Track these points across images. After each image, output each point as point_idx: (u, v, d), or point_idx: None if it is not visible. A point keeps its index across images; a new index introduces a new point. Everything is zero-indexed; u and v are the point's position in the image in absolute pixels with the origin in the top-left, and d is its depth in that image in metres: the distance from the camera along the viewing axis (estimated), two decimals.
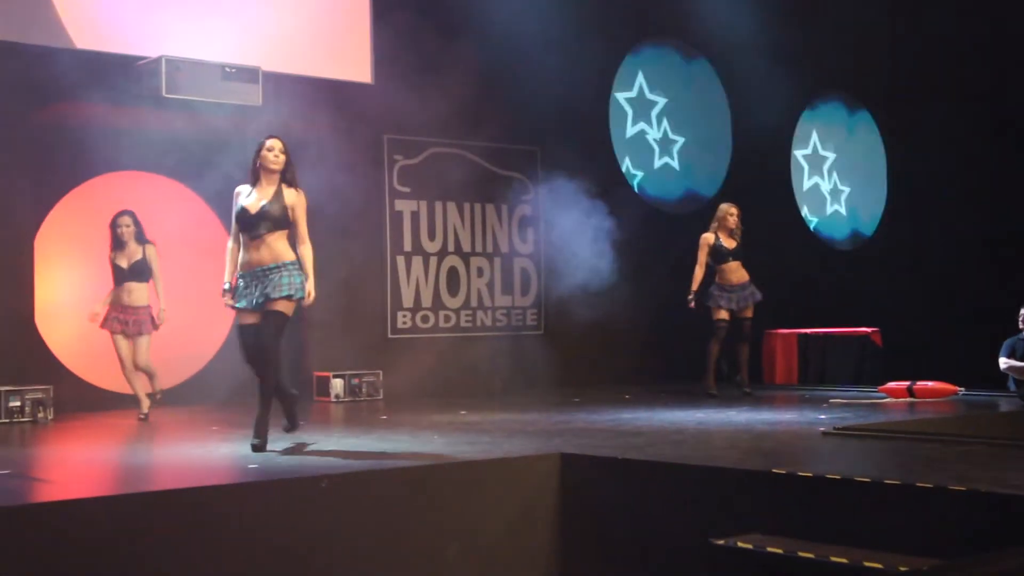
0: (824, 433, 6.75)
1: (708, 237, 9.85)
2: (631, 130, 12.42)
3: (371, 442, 6.69)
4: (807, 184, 14.06)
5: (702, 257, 9.81)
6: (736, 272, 9.82)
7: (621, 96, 12.34)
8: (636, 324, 11.36)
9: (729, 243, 9.83)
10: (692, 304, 9.73)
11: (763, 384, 11.27)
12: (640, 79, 12.48)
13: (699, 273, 9.78)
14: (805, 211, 13.94)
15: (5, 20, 8.64)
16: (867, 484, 4.75)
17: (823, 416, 7.92)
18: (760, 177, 12.86)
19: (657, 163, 12.59)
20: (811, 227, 13.98)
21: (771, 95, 12.60)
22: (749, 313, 9.84)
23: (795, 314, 11.86)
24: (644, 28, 12.46)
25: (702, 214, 11.48)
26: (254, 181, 6.34)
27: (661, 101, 12.64)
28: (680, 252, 10.40)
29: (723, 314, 9.73)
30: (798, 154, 13.94)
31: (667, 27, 12.64)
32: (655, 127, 12.62)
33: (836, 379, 11.30)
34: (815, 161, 14.18)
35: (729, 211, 9.89)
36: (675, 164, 12.71)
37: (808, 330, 11.69)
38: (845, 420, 7.46)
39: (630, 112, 12.40)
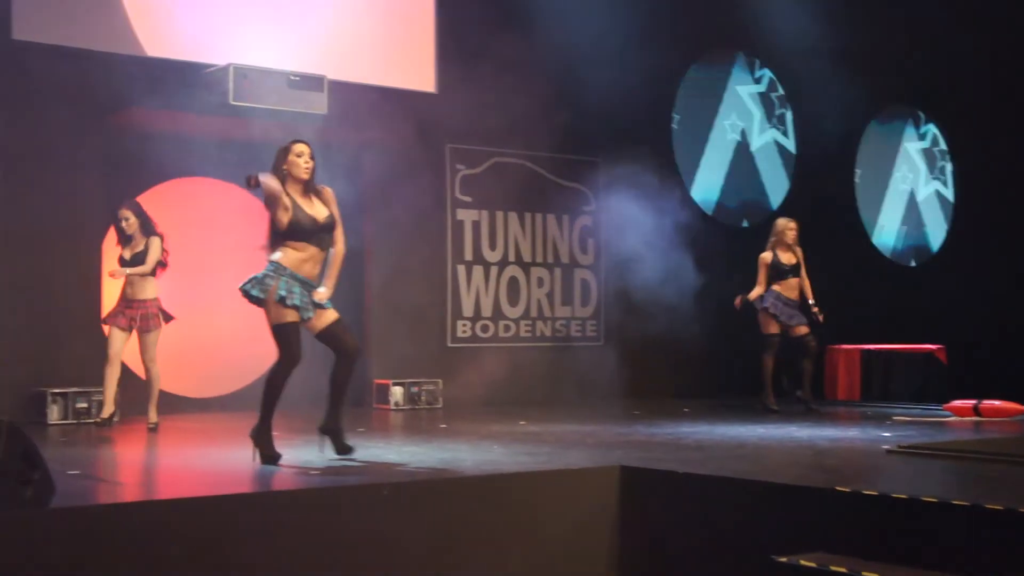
0: (888, 451, 6.66)
1: (766, 256, 9.72)
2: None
3: (431, 451, 6.71)
4: (874, 199, 13.91)
5: (762, 277, 9.69)
6: (795, 290, 9.72)
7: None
8: (696, 336, 11.28)
9: (789, 259, 9.71)
10: (738, 302, 9.59)
11: (824, 400, 11.15)
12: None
13: (758, 292, 9.67)
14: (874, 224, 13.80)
15: (79, 28, 8.80)
16: (933, 504, 4.68)
17: (887, 433, 7.82)
18: (823, 190, 12.74)
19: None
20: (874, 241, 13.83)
21: (835, 107, 12.49)
22: (805, 329, 9.68)
23: (858, 330, 11.72)
24: (707, 39, 12.41)
25: (764, 226, 11.40)
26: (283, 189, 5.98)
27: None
28: (742, 274, 10.30)
29: (773, 328, 9.62)
30: (861, 169, 13.81)
31: (730, 38, 12.59)
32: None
33: (899, 396, 11.15)
34: (882, 174, 14.03)
35: (788, 226, 9.77)
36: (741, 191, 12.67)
37: (871, 346, 11.55)
38: (910, 438, 7.35)
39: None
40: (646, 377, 11.37)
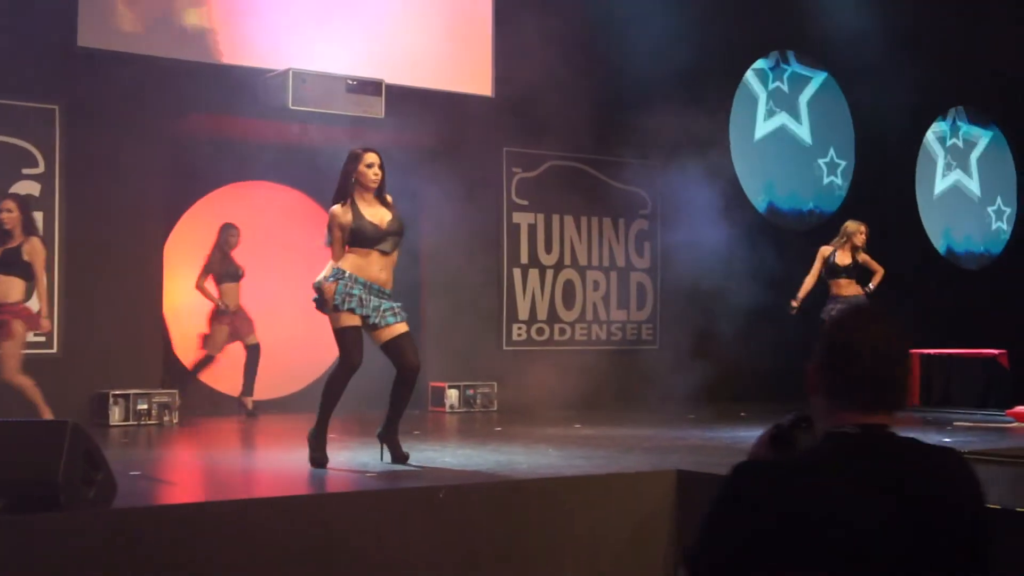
0: None
1: (825, 250, 9.73)
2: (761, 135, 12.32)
3: (486, 454, 6.72)
4: (933, 198, 13.75)
5: (816, 268, 9.70)
6: (849, 287, 9.69)
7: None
8: (752, 340, 11.20)
9: (844, 260, 9.69)
10: (794, 311, 9.56)
11: None
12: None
13: (809, 282, 9.68)
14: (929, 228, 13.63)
15: (142, 35, 8.93)
16: (997, 511, 4.61)
17: (948, 440, 7.70)
18: (883, 193, 12.60)
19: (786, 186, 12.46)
20: (935, 244, 13.66)
21: (896, 109, 12.35)
22: None
23: (917, 334, 11.54)
24: (765, 41, 12.32)
25: (823, 230, 11.30)
26: (345, 197, 6.04)
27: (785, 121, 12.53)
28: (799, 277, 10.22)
29: None
30: (922, 168, 13.65)
31: (788, 40, 12.50)
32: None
33: (960, 402, 10.97)
34: (941, 176, 13.86)
35: (859, 229, 9.74)
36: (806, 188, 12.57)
37: (931, 351, 11.39)
38: (971, 444, 7.24)
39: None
40: (702, 380, 11.28)
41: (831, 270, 9.68)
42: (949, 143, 13.98)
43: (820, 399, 2.33)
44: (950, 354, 11.37)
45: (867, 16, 11.63)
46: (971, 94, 13.74)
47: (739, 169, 12.13)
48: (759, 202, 12.29)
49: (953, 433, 8.24)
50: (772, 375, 11.65)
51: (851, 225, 9.83)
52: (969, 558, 2.20)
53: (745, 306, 10.86)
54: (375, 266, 6.00)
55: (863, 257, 9.73)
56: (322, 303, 5.98)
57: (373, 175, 6.07)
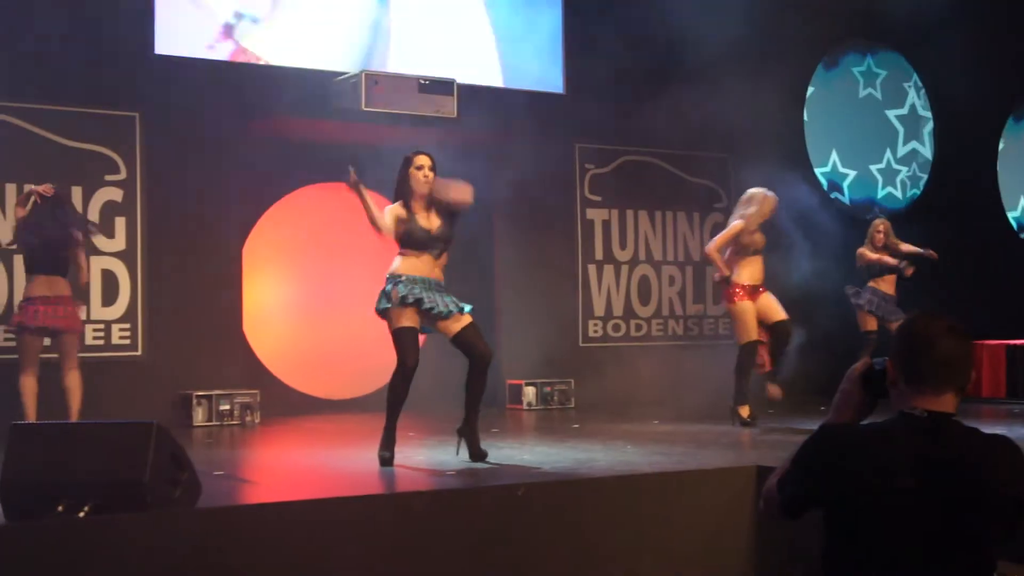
0: None
1: (868, 254, 9.83)
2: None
3: (564, 451, 6.72)
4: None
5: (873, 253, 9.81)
6: (890, 284, 9.78)
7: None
8: (829, 334, 11.03)
9: (884, 255, 9.80)
10: (909, 270, 9.72)
11: (968, 396, 10.78)
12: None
13: (884, 257, 9.75)
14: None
15: (215, 41, 9.09)
16: None
17: None
18: (963, 182, 12.36)
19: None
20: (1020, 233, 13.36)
21: (976, 97, 12.09)
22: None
23: (1003, 324, 11.32)
24: (840, 30, 12.15)
25: (900, 221, 11.12)
26: (405, 199, 6.17)
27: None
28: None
29: (872, 325, 9.60)
30: (1003, 158, 13.36)
31: (864, 30, 12.31)
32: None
33: None
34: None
35: (877, 227, 9.86)
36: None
37: (1018, 341, 11.15)
38: None
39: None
40: (780, 374, 11.14)
41: (872, 269, 9.81)
42: None
43: (898, 387, 2.79)
44: None
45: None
46: None
47: (815, 159, 12.00)
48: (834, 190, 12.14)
49: None
50: (850, 366, 11.49)
51: (875, 223, 9.99)
52: (998, 537, 2.58)
53: (823, 297, 10.70)
54: (427, 265, 6.13)
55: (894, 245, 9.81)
56: (386, 304, 6.07)
57: (423, 177, 6.15)
